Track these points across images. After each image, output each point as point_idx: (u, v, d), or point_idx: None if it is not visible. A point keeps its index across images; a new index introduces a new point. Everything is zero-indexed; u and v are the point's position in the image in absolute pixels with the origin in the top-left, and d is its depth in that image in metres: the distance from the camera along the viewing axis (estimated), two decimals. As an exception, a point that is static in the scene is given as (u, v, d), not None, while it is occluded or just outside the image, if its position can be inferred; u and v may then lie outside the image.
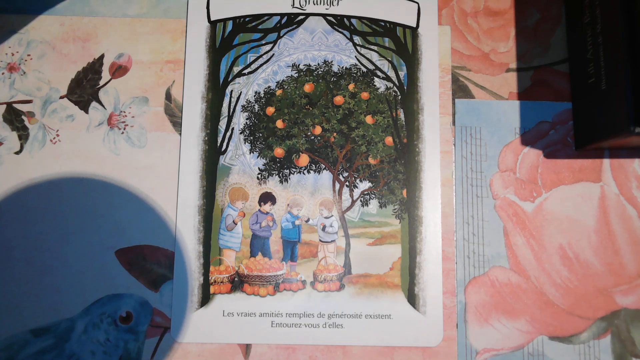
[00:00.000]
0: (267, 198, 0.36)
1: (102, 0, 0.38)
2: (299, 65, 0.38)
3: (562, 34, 0.38)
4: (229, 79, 0.37)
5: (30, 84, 0.37)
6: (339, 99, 0.37)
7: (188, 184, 0.36)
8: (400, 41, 0.38)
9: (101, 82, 0.37)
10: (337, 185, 0.37)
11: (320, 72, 0.38)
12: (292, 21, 0.38)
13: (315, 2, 0.38)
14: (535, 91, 0.38)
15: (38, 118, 0.37)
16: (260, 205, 0.36)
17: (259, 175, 0.37)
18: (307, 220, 0.36)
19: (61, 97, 0.37)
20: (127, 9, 0.38)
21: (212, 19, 0.38)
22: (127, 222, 0.36)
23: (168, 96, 0.37)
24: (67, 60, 0.37)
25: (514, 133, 0.37)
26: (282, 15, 0.38)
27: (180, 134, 0.37)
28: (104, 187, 0.36)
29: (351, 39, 0.38)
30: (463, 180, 0.37)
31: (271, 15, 0.38)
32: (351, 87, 0.37)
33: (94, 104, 0.37)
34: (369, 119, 0.37)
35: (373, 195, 0.36)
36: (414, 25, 0.38)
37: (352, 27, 0.38)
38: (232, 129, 0.37)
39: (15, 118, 0.37)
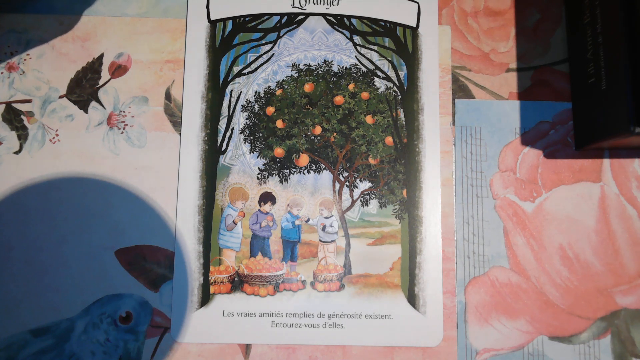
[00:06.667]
0: (267, 198, 0.36)
1: (101, -1, 0.38)
2: (299, 65, 0.38)
3: (562, 34, 0.38)
4: (229, 79, 0.37)
5: (30, 83, 0.37)
6: (339, 99, 0.37)
7: (188, 184, 0.36)
8: (401, 41, 0.38)
9: (101, 82, 0.37)
10: (337, 185, 0.37)
11: (320, 72, 0.38)
12: (292, 21, 0.38)
13: (315, 1, 0.38)
14: (535, 91, 0.38)
15: (37, 118, 0.37)
16: (260, 205, 0.36)
17: (259, 175, 0.36)
18: (307, 220, 0.36)
19: (60, 97, 0.37)
20: (127, 8, 0.38)
21: (212, 18, 0.38)
22: (126, 222, 0.35)
23: (168, 96, 0.37)
24: (66, 59, 0.37)
25: (514, 133, 0.37)
26: (282, 15, 0.38)
27: (180, 133, 0.36)
28: (104, 187, 0.36)
29: (351, 39, 0.38)
30: (463, 180, 0.37)
31: (271, 15, 0.38)
32: (351, 87, 0.37)
33: (93, 103, 0.37)
34: (369, 119, 0.37)
35: (373, 195, 0.36)
36: (414, 25, 0.38)
37: (352, 27, 0.38)
38: (232, 128, 0.37)
39: (14, 118, 0.37)
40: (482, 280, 0.36)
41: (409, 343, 0.35)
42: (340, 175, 0.37)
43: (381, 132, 0.37)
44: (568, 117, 0.37)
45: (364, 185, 0.37)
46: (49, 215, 0.35)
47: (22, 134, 0.36)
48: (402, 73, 0.37)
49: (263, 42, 0.38)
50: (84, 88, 0.37)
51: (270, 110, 0.37)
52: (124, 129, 0.37)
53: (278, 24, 0.38)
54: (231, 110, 0.37)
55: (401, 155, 0.37)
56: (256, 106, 0.37)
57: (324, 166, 0.37)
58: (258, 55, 0.38)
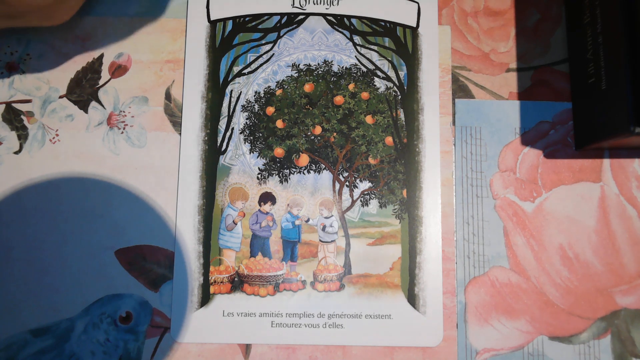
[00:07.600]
0: (267, 198, 0.36)
1: (101, -1, 0.38)
2: (299, 65, 0.38)
3: (562, 34, 0.38)
4: (229, 79, 0.37)
5: (30, 83, 0.37)
6: (339, 99, 0.37)
7: (188, 184, 0.36)
8: (401, 41, 0.38)
9: (101, 82, 0.37)
10: (337, 185, 0.37)
11: (320, 72, 0.38)
12: (292, 21, 0.38)
13: (315, 1, 0.38)
14: (535, 91, 0.38)
15: (37, 118, 0.37)
16: (260, 205, 0.36)
17: (259, 175, 0.36)
18: (307, 220, 0.36)
19: (60, 97, 0.37)
20: (127, 8, 0.38)
21: (212, 18, 0.38)
22: (126, 222, 0.35)
23: (168, 96, 0.37)
24: (66, 59, 0.37)
25: (514, 133, 0.37)
26: (282, 14, 0.38)
27: (180, 133, 0.36)
28: (104, 187, 0.36)
29: (351, 39, 0.38)
30: (463, 180, 0.37)
31: (271, 15, 0.38)
32: (351, 87, 0.37)
33: (93, 103, 0.37)
34: (369, 119, 0.37)
35: (373, 195, 0.36)
36: (414, 25, 0.38)
37: (352, 27, 0.38)
38: (232, 128, 0.37)
39: (14, 118, 0.37)
40: (482, 280, 0.36)
41: (409, 343, 0.35)
42: (340, 175, 0.37)
43: (381, 132, 0.37)
44: (568, 117, 0.37)
45: (364, 185, 0.37)
46: (49, 215, 0.35)
47: (22, 134, 0.36)
48: (402, 73, 0.37)
49: (263, 42, 0.38)
50: (84, 88, 0.37)
51: (270, 110, 0.37)
52: (124, 129, 0.37)
53: (278, 24, 0.38)
54: (231, 110, 0.37)
55: (401, 155, 0.37)
56: (256, 106, 0.37)
57: (324, 166, 0.37)
58: (258, 55, 0.38)
